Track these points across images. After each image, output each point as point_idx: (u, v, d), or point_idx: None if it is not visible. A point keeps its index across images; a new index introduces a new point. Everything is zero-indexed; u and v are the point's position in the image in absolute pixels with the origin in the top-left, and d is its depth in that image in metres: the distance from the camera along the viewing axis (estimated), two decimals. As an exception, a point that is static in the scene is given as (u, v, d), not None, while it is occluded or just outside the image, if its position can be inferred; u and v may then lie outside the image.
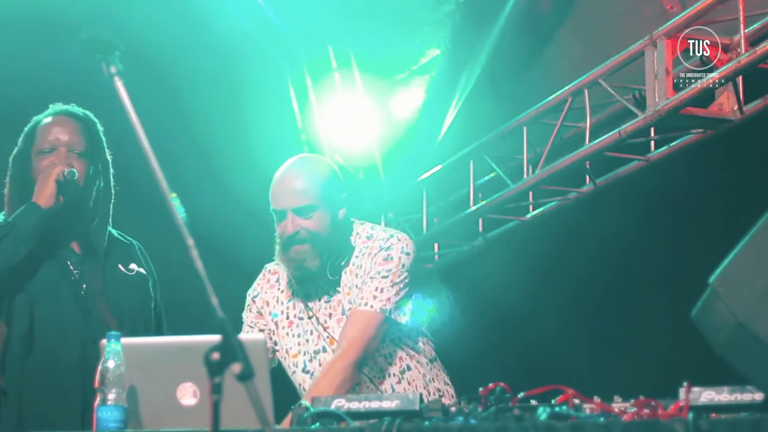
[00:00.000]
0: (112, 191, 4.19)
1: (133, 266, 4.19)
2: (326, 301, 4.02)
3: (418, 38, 6.51)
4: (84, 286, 4.07)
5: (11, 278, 3.97)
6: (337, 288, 4.00)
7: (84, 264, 4.10)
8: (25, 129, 4.18)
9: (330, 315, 4.01)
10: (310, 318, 4.03)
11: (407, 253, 3.96)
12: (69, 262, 4.09)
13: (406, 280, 3.94)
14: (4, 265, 3.93)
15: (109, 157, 4.19)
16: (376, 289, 3.90)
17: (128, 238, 4.28)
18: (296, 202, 3.91)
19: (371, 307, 3.89)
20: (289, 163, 4.01)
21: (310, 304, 4.04)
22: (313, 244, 3.92)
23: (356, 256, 3.99)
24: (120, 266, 4.16)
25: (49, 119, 4.14)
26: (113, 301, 4.07)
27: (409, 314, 3.97)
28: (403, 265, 3.94)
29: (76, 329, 4.02)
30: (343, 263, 3.98)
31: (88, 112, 4.19)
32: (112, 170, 4.20)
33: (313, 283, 4.03)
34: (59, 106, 4.18)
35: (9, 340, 4.00)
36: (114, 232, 4.25)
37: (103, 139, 4.19)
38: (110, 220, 4.20)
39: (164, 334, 4.19)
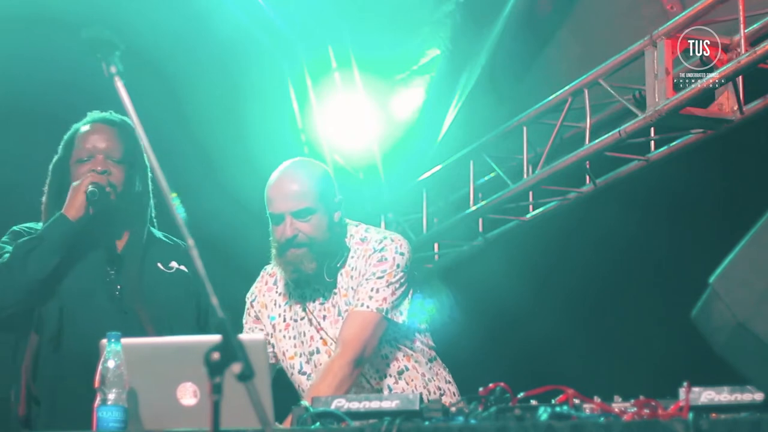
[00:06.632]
0: (151, 194, 4.22)
1: (173, 264, 4.20)
2: (321, 303, 4.02)
3: (418, 38, 6.51)
4: (119, 286, 4.09)
5: (40, 290, 4.00)
6: (333, 290, 4.00)
7: (120, 265, 4.12)
8: (65, 137, 4.22)
9: (324, 317, 4.01)
10: (304, 319, 4.03)
11: (401, 254, 3.95)
12: (105, 264, 4.11)
13: (402, 280, 3.93)
14: (33, 278, 3.97)
15: (147, 161, 4.19)
16: (372, 290, 3.90)
17: (174, 239, 4.28)
18: (295, 205, 3.90)
19: (367, 307, 3.88)
20: (285, 167, 4.00)
21: (307, 306, 4.04)
22: (311, 248, 3.91)
23: (351, 258, 3.98)
24: (159, 264, 4.18)
25: (87, 127, 4.18)
26: (150, 299, 4.07)
27: (407, 314, 3.96)
28: (398, 266, 3.93)
29: (111, 329, 4.00)
30: (338, 265, 3.98)
31: (125, 118, 4.19)
32: (150, 174, 4.21)
33: (310, 285, 4.03)
34: (96, 114, 4.22)
35: (40, 348, 4.03)
36: (158, 233, 4.27)
37: (141, 143, 4.20)
38: (151, 220, 4.23)
39: (209, 332, 4.16)
